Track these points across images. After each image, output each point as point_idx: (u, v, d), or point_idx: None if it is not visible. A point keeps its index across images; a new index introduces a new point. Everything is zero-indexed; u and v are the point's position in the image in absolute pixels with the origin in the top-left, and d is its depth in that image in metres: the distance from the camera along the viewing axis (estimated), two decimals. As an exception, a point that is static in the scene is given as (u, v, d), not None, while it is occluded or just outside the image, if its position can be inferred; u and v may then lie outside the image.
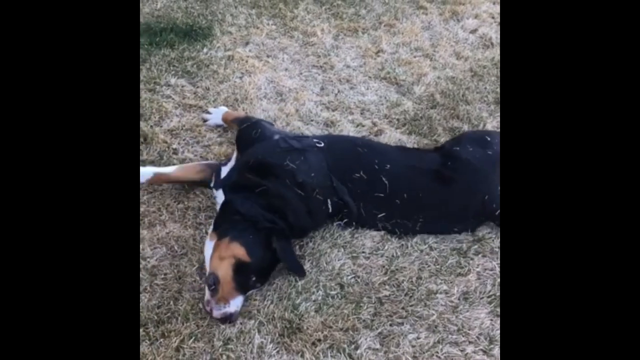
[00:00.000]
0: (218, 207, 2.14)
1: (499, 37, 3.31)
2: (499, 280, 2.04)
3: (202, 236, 2.13)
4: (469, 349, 1.84)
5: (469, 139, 2.33)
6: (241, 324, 1.87)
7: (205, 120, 2.62)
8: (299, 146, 2.17)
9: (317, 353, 1.80)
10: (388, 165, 2.18)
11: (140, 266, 2.00)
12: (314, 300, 1.96)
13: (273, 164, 2.11)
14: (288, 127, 2.65)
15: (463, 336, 1.87)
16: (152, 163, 2.38)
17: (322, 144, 2.20)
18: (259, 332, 1.85)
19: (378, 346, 1.85)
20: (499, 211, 2.14)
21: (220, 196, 2.16)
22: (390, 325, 1.90)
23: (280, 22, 3.37)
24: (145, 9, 3.33)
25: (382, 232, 2.18)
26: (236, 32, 3.25)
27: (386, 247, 2.14)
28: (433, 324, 1.91)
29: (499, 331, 1.88)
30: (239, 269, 1.89)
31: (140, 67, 2.83)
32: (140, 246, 2.06)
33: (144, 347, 1.77)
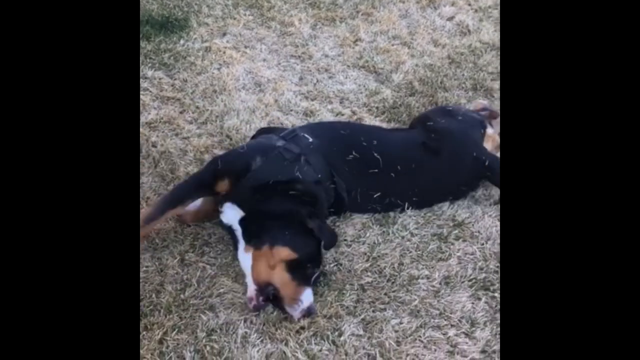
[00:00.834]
0: (236, 228, 2.02)
1: (475, 23, 3.33)
2: (479, 263, 2.06)
3: (183, 228, 2.12)
4: (451, 332, 1.86)
5: (436, 114, 2.44)
6: (225, 314, 1.87)
7: None
8: (299, 150, 2.09)
9: (302, 341, 1.81)
10: (375, 141, 2.20)
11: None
12: (297, 289, 1.97)
13: (285, 181, 2.02)
14: (267, 117, 2.64)
15: (445, 320, 1.89)
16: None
17: (311, 140, 2.16)
18: (244, 322, 1.85)
19: (361, 332, 1.86)
20: (488, 163, 2.25)
21: (230, 216, 2.04)
22: (373, 311, 1.91)
23: (257, 12, 3.36)
24: (120, 1, 3.28)
25: (364, 220, 2.19)
26: (213, 23, 3.23)
27: (368, 235, 2.15)
28: (415, 308, 1.92)
29: (480, 314, 1.91)
30: (292, 267, 1.88)
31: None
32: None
33: (127, 341, 1.76)
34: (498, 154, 2.39)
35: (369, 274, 2.02)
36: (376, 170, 2.16)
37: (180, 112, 2.63)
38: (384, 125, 2.65)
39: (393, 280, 2.00)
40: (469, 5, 3.51)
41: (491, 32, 3.26)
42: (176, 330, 1.80)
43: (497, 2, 3.49)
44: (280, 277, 1.86)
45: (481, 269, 2.05)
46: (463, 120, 2.41)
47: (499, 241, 2.14)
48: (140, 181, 2.29)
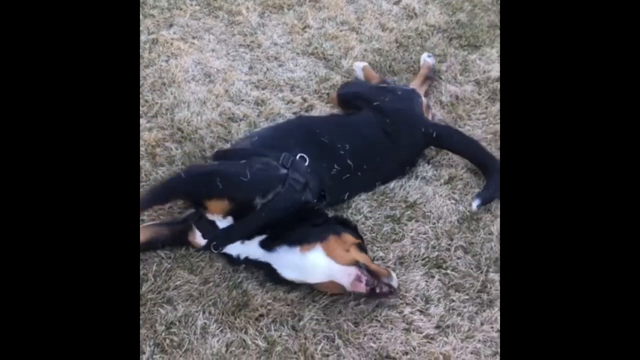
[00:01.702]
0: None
1: (421, 7, 3.37)
2: (432, 242, 2.12)
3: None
4: (407, 310, 1.91)
5: (373, 92, 2.54)
6: (183, 307, 1.87)
7: None
8: (304, 180, 2.04)
9: (261, 328, 1.84)
10: (348, 146, 2.23)
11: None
12: (257, 278, 1.99)
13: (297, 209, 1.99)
14: (218, 108, 2.63)
15: (400, 299, 1.95)
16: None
17: (306, 162, 2.11)
18: (202, 313, 1.86)
19: (321, 316, 1.90)
20: (436, 134, 2.41)
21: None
22: (331, 294, 1.95)
23: (204, 2, 3.32)
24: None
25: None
26: (159, 14, 3.18)
27: (323, 220, 2.18)
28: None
29: (434, 291, 1.97)
30: (361, 249, 1.93)
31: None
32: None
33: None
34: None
35: (325, 258, 2.05)
36: (349, 176, 2.21)
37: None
38: (335, 111, 2.67)
39: (349, 264, 2.04)
40: (415, -12, 3.54)
41: (437, 15, 3.31)
42: (135, 325, 1.80)
43: (441, -15, 3.54)
44: (362, 256, 1.88)
45: (434, 247, 2.11)
46: (405, 96, 2.52)
47: (450, 219, 2.20)
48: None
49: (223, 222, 1.96)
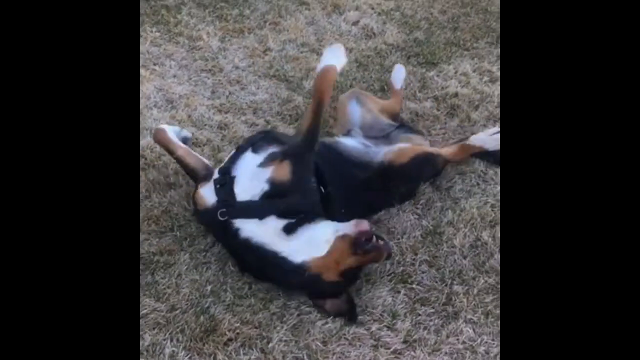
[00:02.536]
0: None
1: (379, 26, 3.45)
2: (397, 258, 2.15)
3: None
4: (374, 326, 1.94)
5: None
6: (150, 336, 1.86)
7: None
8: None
9: (230, 352, 1.84)
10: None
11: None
12: (223, 302, 1.99)
13: None
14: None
15: (368, 315, 1.97)
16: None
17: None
18: (170, 340, 1.86)
19: (289, 337, 1.91)
20: None
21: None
22: (299, 315, 1.96)
23: (164, 28, 3.34)
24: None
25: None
26: (119, 42, 3.18)
27: (289, 241, 2.20)
28: (339, 308, 1.99)
29: (400, 306, 2.00)
30: None
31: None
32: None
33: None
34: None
35: (292, 279, 2.07)
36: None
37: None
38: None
39: (316, 283, 2.06)
40: (372, 9, 3.62)
41: (395, 34, 3.38)
42: (101, 357, 1.79)
43: (398, 5, 3.63)
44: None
45: (399, 262, 2.14)
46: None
47: (413, 234, 2.24)
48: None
49: (247, 192, 2.01)
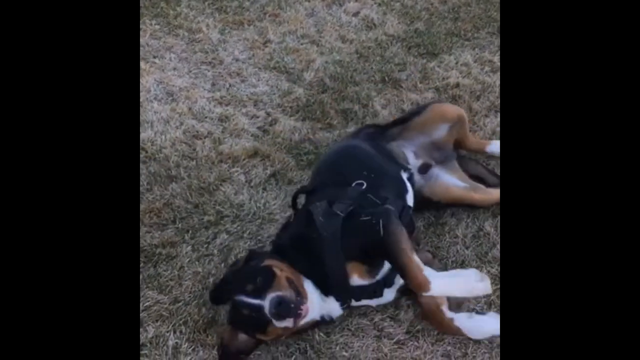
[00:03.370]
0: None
1: (380, 17, 3.43)
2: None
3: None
4: (377, 317, 1.93)
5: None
6: (154, 328, 1.87)
7: None
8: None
9: (233, 344, 1.84)
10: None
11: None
12: (226, 294, 1.99)
13: None
14: (182, 126, 2.63)
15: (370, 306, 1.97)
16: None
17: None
18: (173, 332, 1.86)
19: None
20: None
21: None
22: (302, 306, 1.96)
23: (164, 21, 3.33)
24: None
25: (283, 221, 2.22)
26: (118, 35, 3.17)
27: (291, 233, 2.19)
28: (342, 299, 1.99)
29: (403, 297, 1.99)
30: None
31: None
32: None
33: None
34: None
35: (294, 270, 2.07)
36: None
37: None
38: (299, 124, 2.69)
39: (318, 274, 2.05)
40: (373, 0, 3.60)
41: (395, 25, 3.37)
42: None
43: (398, -5, 3.62)
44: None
45: (401, 253, 2.13)
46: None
47: (416, 225, 2.23)
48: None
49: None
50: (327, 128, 2.68)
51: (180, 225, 2.22)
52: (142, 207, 2.24)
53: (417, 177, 2.22)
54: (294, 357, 1.82)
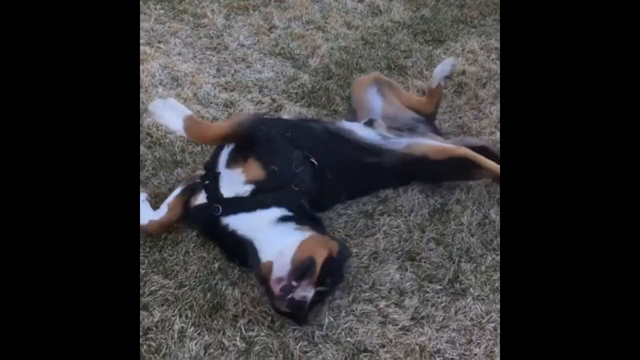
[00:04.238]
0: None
1: (385, 3, 3.42)
2: (404, 235, 2.15)
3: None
4: (382, 303, 1.94)
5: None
6: (159, 312, 1.87)
7: None
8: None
9: (239, 328, 1.84)
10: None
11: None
12: (231, 278, 1.99)
13: None
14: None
15: (375, 293, 1.97)
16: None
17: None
18: (179, 317, 1.86)
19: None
20: None
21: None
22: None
23: (168, 5, 3.31)
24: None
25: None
26: (123, 19, 3.16)
27: (296, 219, 2.19)
28: (347, 285, 1.99)
29: (408, 283, 2.00)
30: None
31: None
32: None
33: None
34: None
35: (299, 256, 2.07)
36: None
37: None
38: (304, 110, 2.69)
39: (323, 260, 2.06)
40: (379, -14, 3.58)
41: (401, 11, 3.35)
42: (111, 333, 1.79)
43: (405, -18, 3.59)
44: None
45: (406, 240, 2.14)
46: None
47: (421, 212, 2.24)
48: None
49: (231, 188, 2.01)
50: (332, 114, 2.68)
51: (185, 210, 2.22)
52: (147, 192, 2.24)
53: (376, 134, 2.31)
54: (300, 342, 1.82)
